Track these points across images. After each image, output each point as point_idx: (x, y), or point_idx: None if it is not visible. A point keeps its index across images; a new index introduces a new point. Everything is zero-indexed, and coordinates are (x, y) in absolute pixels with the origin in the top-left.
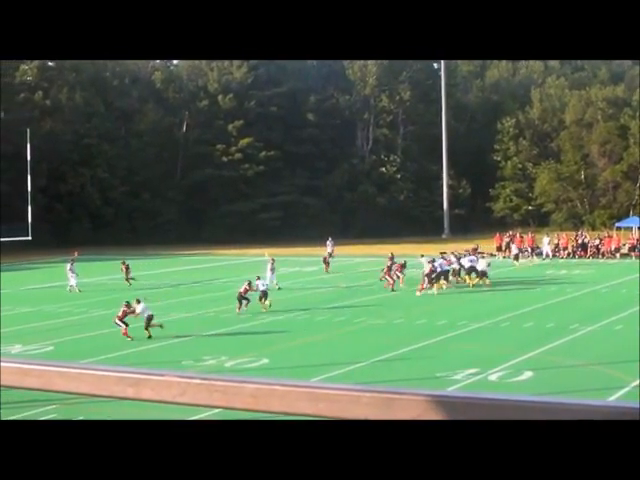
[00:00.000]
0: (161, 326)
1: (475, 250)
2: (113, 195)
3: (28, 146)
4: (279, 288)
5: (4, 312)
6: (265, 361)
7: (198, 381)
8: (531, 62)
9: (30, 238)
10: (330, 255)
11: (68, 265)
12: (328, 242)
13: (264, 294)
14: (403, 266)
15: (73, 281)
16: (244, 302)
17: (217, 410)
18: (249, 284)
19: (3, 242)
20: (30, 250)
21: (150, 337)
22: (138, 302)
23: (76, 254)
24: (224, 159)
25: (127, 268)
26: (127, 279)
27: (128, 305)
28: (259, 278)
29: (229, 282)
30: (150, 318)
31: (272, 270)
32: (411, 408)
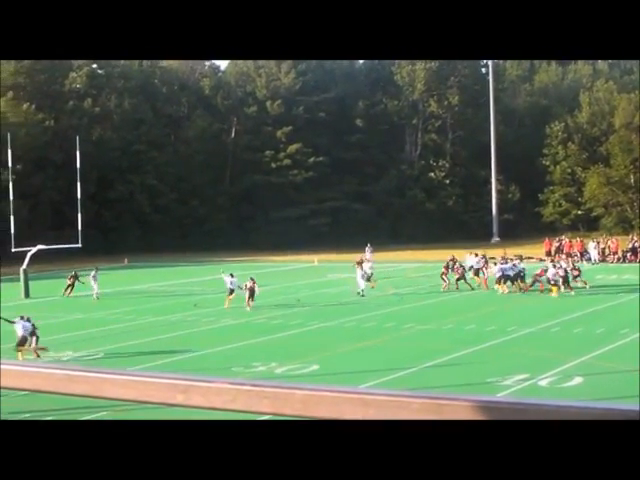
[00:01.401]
0: (45, 348)
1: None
2: (162, 202)
3: (78, 153)
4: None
5: (55, 319)
6: (315, 367)
7: (248, 387)
8: (579, 66)
9: (80, 245)
10: (364, 261)
11: (92, 273)
12: (367, 249)
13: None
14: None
15: (95, 289)
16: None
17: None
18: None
19: (54, 249)
20: (80, 257)
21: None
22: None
23: (126, 260)
24: (273, 165)
25: None
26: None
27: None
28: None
29: (279, 288)
30: (24, 340)
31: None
32: (461, 413)
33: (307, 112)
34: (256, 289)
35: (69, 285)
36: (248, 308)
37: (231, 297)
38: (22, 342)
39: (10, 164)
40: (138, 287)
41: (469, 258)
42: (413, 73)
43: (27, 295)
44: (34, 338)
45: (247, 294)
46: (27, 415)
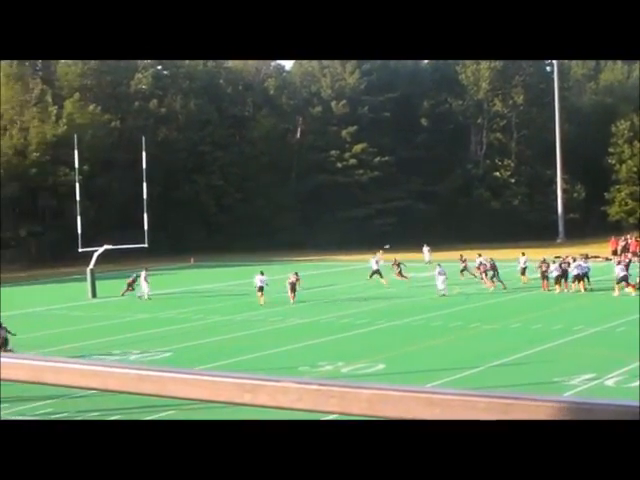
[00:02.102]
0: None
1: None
2: (227, 202)
3: (144, 154)
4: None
5: (121, 319)
6: (381, 366)
7: (315, 387)
8: None
9: (146, 245)
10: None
11: (143, 274)
12: (425, 249)
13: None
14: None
15: (146, 289)
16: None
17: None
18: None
19: (121, 249)
20: (146, 257)
21: None
22: None
23: (192, 260)
24: (338, 165)
25: None
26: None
27: None
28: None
29: (345, 288)
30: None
31: None
32: (528, 413)
33: (372, 112)
34: (298, 284)
35: (130, 284)
36: (291, 301)
37: (261, 294)
38: None
39: (77, 165)
40: (204, 287)
41: (521, 258)
42: (478, 72)
43: (94, 295)
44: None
45: (289, 288)
46: (95, 414)
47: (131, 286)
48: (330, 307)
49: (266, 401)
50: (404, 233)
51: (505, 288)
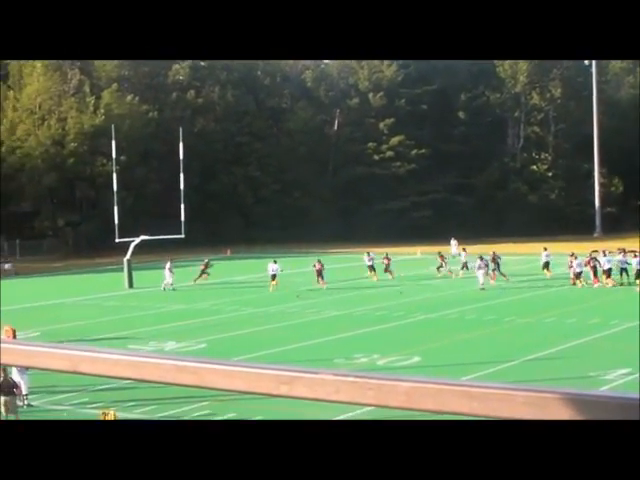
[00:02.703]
0: None
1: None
2: (264, 193)
3: (181, 145)
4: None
5: (158, 309)
6: (417, 359)
7: (352, 379)
8: None
9: (183, 236)
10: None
11: (167, 264)
12: (452, 242)
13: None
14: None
15: (169, 280)
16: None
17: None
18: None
19: (157, 240)
20: (183, 248)
21: None
22: None
23: (228, 251)
24: (375, 157)
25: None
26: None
27: None
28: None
29: (381, 280)
30: None
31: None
32: (566, 407)
33: (409, 104)
34: (323, 270)
35: (202, 272)
36: (321, 285)
37: (274, 282)
38: None
39: (114, 155)
40: (241, 278)
41: (543, 253)
42: (515, 66)
43: (130, 285)
44: None
45: (316, 275)
46: (132, 404)
47: (205, 272)
48: (365, 299)
49: (303, 393)
50: (440, 226)
51: (507, 280)
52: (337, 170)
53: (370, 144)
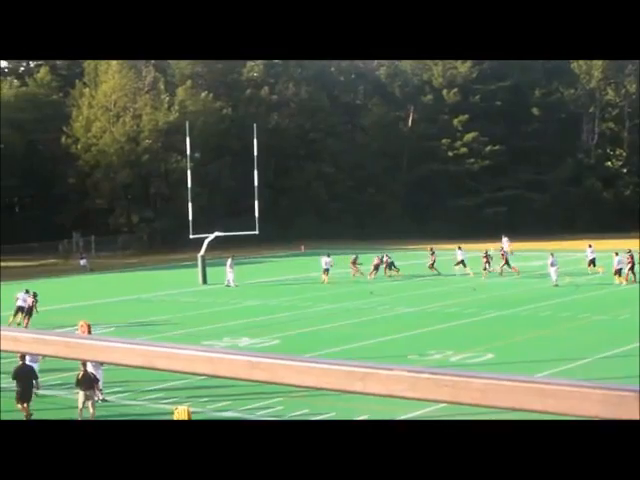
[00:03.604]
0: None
1: None
2: (338, 190)
3: (255, 141)
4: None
5: (231, 305)
6: (490, 356)
7: (427, 375)
8: None
9: (257, 232)
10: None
11: (228, 262)
12: (503, 239)
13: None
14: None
15: (230, 276)
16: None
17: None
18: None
19: (231, 236)
20: (257, 244)
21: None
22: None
23: (303, 248)
24: (449, 154)
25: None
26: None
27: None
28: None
29: (454, 277)
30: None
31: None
32: None
33: (483, 100)
34: (380, 265)
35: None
36: (370, 277)
37: (326, 276)
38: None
39: (188, 152)
40: (315, 275)
41: (588, 250)
42: (590, 62)
43: (204, 281)
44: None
45: (372, 268)
46: (204, 400)
47: (377, 268)
48: (438, 296)
49: (377, 389)
50: (514, 222)
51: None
52: (411, 166)
53: (444, 140)
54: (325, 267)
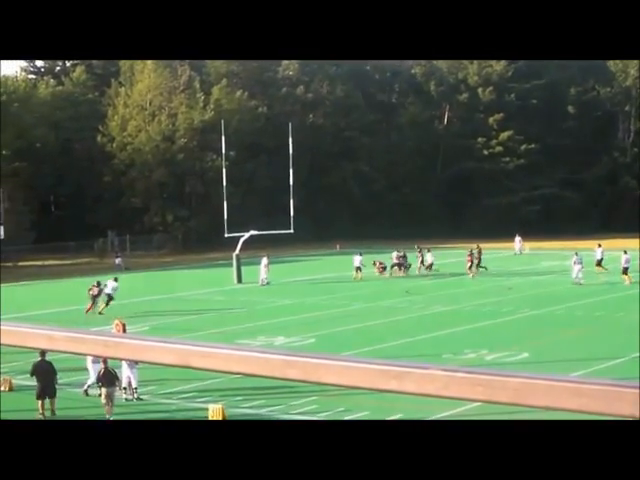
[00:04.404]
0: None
1: None
2: (374, 189)
3: (290, 140)
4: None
5: (267, 304)
6: (525, 355)
7: (462, 374)
8: None
9: (292, 231)
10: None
11: (264, 260)
12: (516, 238)
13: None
14: None
15: (264, 275)
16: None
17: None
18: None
19: (266, 235)
20: (292, 243)
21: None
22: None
23: (338, 247)
24: (484, 152)
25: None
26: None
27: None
28: None
29: (490, 276)
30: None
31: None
32: None
33: (519, 99)
34: (404, 263)
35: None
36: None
37: (359, 274)
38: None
39: (224, 150)
40: (350, 273)
41: (597, 250)
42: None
43: (239, 280)
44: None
45: (396, 267)
46: (239, 398)
47: (398, 266)
48: (473, 295)
49: (412, 388)
50: (549, 221)
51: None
52: (446, 165)
53: (479, 139)
54: (357, 265)
